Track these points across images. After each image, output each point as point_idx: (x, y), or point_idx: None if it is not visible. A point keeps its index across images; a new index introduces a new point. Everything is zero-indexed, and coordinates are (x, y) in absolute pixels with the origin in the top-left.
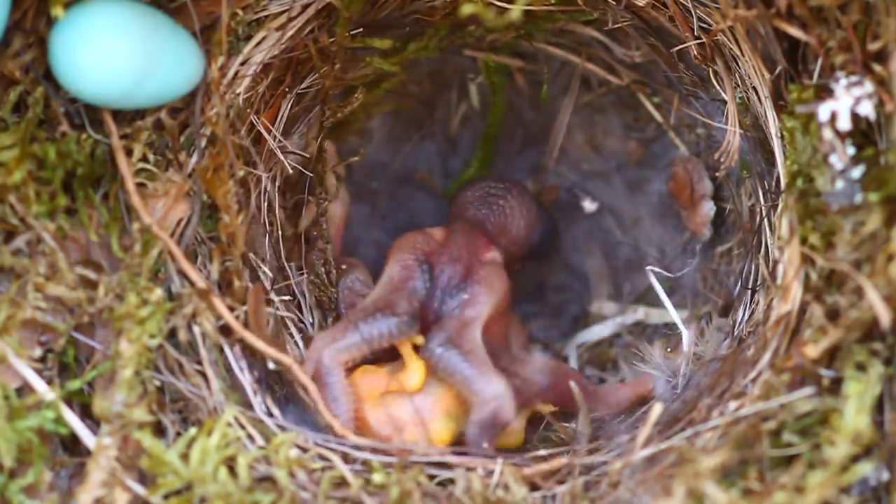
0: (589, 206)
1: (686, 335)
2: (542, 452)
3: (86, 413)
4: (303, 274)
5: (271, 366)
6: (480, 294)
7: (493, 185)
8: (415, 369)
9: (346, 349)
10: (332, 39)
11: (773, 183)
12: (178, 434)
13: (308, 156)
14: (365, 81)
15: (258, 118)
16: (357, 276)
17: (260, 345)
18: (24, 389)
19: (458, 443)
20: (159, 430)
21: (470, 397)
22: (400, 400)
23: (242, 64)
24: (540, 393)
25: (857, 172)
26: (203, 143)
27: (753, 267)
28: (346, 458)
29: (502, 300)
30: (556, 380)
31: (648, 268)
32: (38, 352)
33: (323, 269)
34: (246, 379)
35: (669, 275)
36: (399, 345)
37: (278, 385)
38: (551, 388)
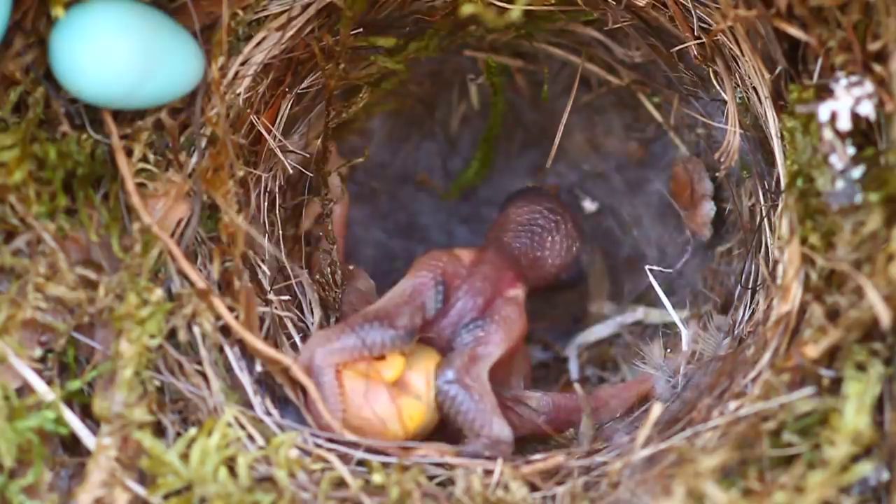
0: (589, 206)
1: (686, 335)
2: (541, 454)
3: (86, 413)
4: (298, 276)
5: (259, 367)
6: (496, 335)
7: (547, 213)
8: (393, 363)
9: (339, 351)
10: (335, 38)
11: (773, 183)
12: (178, 434)
13: (308, 156)
14: (369, 80)
15: (258, 118)
16: (358, 286)
17: (259, 345)
18: (24, 389)
19: (429, 437)
20: (159, 431)
21: (469, 434)
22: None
23: (242, 64)
24: (536, 429)
25: (857, 172)
26: (203, 143)
27: (753, 267)
28: (345, 459)
29: (517, 342)
30: (554, 415)
31: (648, 267)
32: (38, 352)
33: (329, 270)
34: (246, 379)
35: (670, 272)
36: None
37: (276, 385)
38: (548, 423)
